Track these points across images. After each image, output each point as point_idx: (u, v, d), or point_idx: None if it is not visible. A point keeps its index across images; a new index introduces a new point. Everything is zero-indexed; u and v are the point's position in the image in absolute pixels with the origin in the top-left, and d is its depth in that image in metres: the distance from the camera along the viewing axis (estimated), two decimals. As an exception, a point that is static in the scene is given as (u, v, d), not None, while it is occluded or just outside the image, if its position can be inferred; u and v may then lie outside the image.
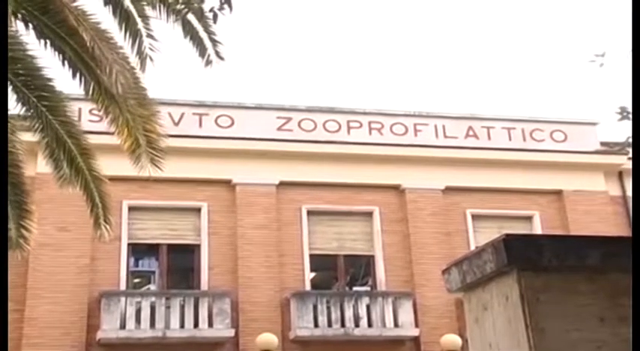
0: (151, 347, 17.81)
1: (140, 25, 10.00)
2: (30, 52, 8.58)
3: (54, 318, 17.74)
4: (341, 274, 20.57)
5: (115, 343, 17.83)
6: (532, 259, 3.43)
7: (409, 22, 53.45)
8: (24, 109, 8.78)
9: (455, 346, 18.31)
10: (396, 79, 50.98)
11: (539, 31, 55.72)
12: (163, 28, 10.20)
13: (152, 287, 19.88)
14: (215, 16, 7.04)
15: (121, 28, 9.84)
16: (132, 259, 19.73)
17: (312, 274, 20.22)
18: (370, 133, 21.45)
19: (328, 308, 19.04)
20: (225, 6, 6.78)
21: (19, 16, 8.60)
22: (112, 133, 9.92)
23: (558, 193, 21.57)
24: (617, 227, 20.37)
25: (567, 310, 3.39)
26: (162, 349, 17.81)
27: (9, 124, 8.82)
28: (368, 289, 20.33)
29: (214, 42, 10.31)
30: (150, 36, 10.14)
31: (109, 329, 17.85)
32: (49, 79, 8.81)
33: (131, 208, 19.16)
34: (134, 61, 9.80)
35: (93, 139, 10.42)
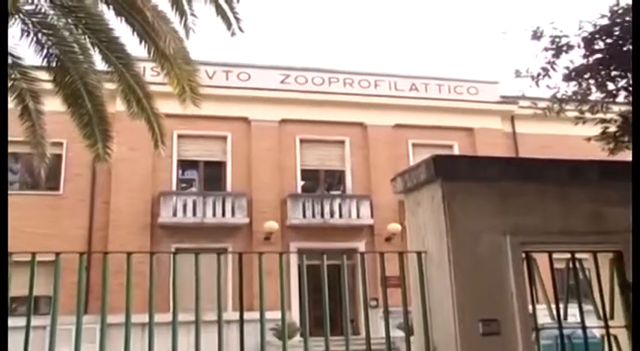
0: (193, 229, 18.11)
1: (186, 6, 9.74)
2: (110, 26, 8.42)
3: (130, 208, 17.95)
4: (322, 183, 20.78)
5: (169, 225, 18.12)
6: (451, 172, 3.56)
7: (378, 8, 52.24)
8: (106, 66, 8.66)
9: (396, 231, 18.75)
10: (363, 48, 50.30)
11: (464, 14, 54.72)
12: (202, 8, 9.96)
13: (193, 189, 20.02)
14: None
15: (172, 8, 9.57)
16: (180, 171, 19.79)
17: (302, 182, 20.41)
18: (344, 86, 21.31)
19: (312, 205, 19.33)
20: None
21: (103, 0, 8.42)
22: (166, 84, 9.79)
23: (470, 129, 21.70)
24: (508, 153, 20.78)
25: (472, 206, 3.53)
26: (201, 230, 18.07)
27: (97, 76, 8.73)
28: (340, 192, 20.59)
29: (237, 19, 10.03)
30: (192, 14, 9.87)
31: (165, 216, 18.13)
32: (123, 45, 8.64)
33: (179, 136, 19.14)
34: (181, 31, 9.56)
35: (153, 88, 10.33)
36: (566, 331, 3.66)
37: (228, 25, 9.96)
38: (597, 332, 3.81)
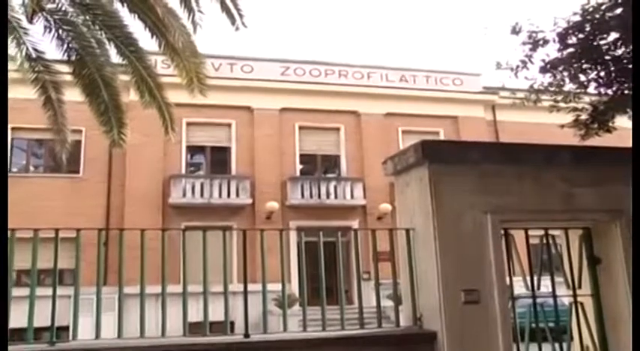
0: (201, 208, 18.10)
1: (193, 3, 9.61)
2: (124, 22, 8.33)
3: (143, 190, 17.93)
4: (319, 166, 20.74)
5: (179, 205, 18.11)
6: (437, 155, 3.58)
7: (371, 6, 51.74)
8: (121, 59, 8.59)
9: (387, 211, 18.79)
10: (357, 42, 49.97)
11: (450, 10, 54.28)
12: (208, 5, 9.83)
13: (201, 172, 20.00)
14: (241, -4, 6.78)
15: (181, 5, 9.46)
16: (188, 155, 19.73)
17: (301, 166, 20.39)
18: (339, 77, 21.18)
19: (310, 187, 19.34)
20: None
21: (118, -1, 8.35)
22: (175, 75, 9.72)
23: (455, 118, 21.63)
24: (489, 139, 20.67)
25: (455, 186, 3.56)
26: (208, 210, 18.04)
27: (112, 69, 8.66)
28: (335, 175, 20.58)
29: (240, 15, 9.90)
30: (199, 11, 9.73)
31: (175, 197, 18.11)
32: (136, 40, 8.54)
33: (188, 123, 19.02)
34: (189, 27, 9.45)
35: (164, 79, 10.25)
36: (539, 300, 3.72)
37: (233, 21, 9.84)
38: (566, 301, 3.88)
